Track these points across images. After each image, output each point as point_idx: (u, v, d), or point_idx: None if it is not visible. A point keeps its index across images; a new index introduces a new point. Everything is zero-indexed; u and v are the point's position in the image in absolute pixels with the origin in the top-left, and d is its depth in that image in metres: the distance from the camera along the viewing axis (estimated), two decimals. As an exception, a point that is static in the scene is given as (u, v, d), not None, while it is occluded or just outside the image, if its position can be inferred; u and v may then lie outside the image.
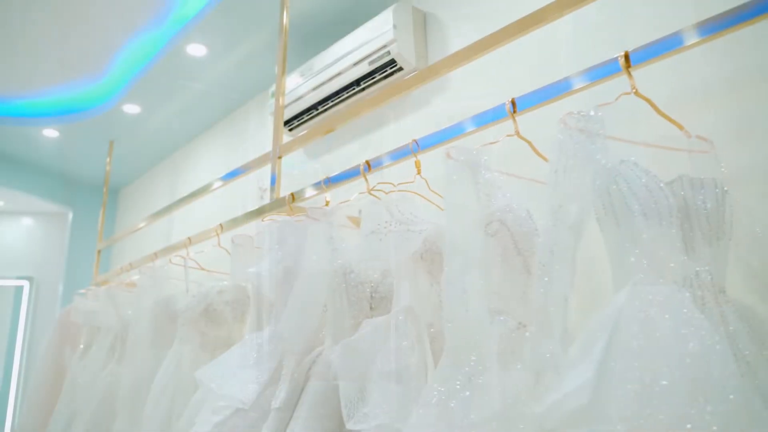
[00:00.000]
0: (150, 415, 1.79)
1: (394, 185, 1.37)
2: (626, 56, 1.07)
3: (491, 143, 1.16)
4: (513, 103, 1.23)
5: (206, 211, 3.03)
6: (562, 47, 1.61)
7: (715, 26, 1.00)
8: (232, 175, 2.24)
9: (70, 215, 4.35)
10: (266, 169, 2.13)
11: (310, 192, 1.72)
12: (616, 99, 1.04)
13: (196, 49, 2.70)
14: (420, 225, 1.18)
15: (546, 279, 0.89)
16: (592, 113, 0.97)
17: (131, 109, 3.29)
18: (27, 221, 4.70)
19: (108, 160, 3.67)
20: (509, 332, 1.02)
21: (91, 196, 4.30)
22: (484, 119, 1.32)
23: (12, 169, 4.04)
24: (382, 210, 1.20)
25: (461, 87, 1.90)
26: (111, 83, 3.10)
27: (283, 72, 2.05)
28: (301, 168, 2.53)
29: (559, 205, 0.91)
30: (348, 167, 1.60)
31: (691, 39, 1.03)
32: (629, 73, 1.07)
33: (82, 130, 3.55)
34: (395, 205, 1.20)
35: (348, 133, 2.29)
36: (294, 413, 1.22)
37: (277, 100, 2.03)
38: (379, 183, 1.41)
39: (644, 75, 1.09)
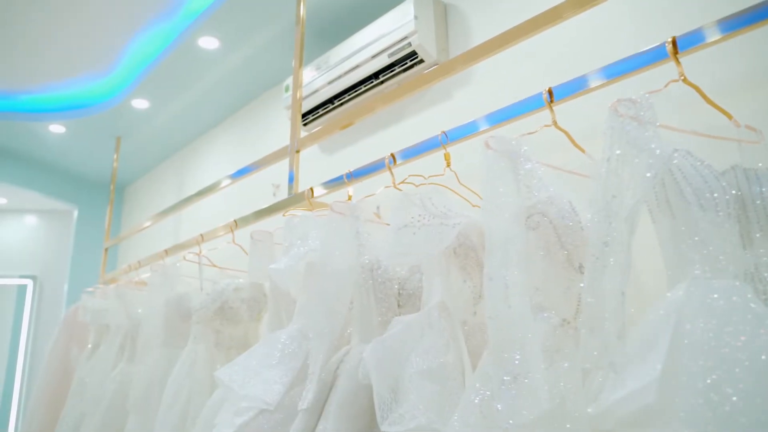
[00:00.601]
0: (163, 418, 1.74)
1: (425, 177, 1.33)
2: (673, 42, 1.03)
3: (529, 133, 1.12)
4: (550, 92, 1.19)
5: (214, 209, 2.98)
6: (589, 40, 1.57)
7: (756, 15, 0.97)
8: (245, 171, 2.19)
9: (76, 213, 4.28)
10: (278, 165, 2.09)
11: (329, 187, 1.68)
12: (665, 86, 1.00)
13: (208, 42, 2.64)
14: (454, 219, 1.13)
15: (599, 273, 0.84)
16: (642, 100, 0.92)
17: (139, 104, 3.23)
18: (31, 219, 4.63)
19: (115, 156, 3.61)
20: (553, 329, 0.98)
21: (98, 193, 4.24)
22: (518, 110, 1.28)
23: (16, 165, 3.96)
24: (416, 203, 1.15)
25: (484, 80, 1.85)
26: (119, 77, 3.05)
27: (300, 64, 2.01)
28: (317, 163, 2.48)
29: (613, 195, 0.86)
30: (365, 163, 1.56)
31: (731, 29, 1.00)
32: (677, 60, 1.04)
33: (89, 126, 3.49)
34: (429, 198, 1.15)
35: (365, 128, 2.25)
36: (322, 413, 1.17)
37: (295, 93, 1.99)
38: (410, 176, 1.36)
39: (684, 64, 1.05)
